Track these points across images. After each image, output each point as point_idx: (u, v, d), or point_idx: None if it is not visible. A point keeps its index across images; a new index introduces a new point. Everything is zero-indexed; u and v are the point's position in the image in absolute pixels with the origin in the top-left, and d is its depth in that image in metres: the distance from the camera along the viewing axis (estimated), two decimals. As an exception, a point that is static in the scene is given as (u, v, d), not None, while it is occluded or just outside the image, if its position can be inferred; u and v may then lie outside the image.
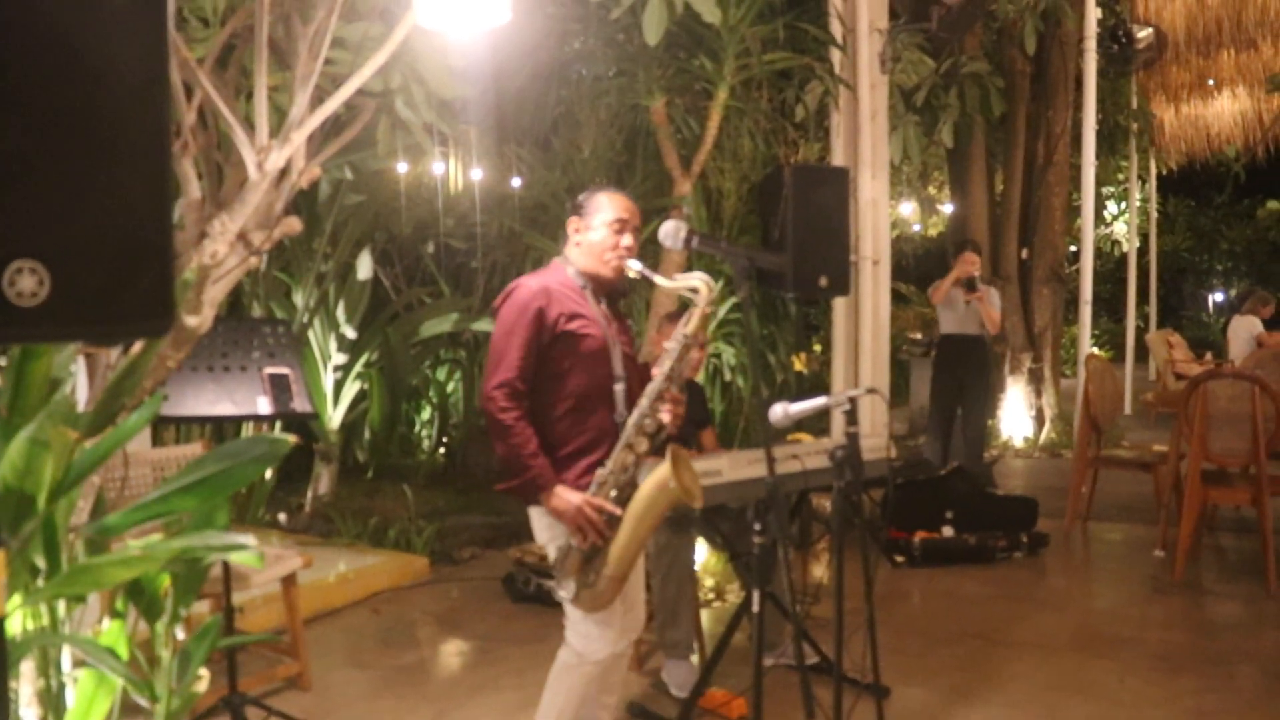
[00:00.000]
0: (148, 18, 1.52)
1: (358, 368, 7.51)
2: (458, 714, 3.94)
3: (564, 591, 2.88)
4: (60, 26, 1.45)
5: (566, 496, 2.85)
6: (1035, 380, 10.03)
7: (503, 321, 2.98)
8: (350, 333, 7.40)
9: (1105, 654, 4.53)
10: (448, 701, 4.06)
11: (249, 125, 2.98)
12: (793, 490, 4.28)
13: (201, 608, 4.07)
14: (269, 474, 7.08)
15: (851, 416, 2.84)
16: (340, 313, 7.36)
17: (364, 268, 7.53)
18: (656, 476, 2.73)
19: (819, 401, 2.98)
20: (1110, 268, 19.60)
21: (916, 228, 18.78)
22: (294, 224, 3.29)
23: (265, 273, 7.09)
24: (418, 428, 8.88)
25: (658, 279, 3.00)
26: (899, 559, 5.98)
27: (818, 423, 7.24)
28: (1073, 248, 12.83)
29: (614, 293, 3.17)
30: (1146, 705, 3.98)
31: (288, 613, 4.11)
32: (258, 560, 2.35)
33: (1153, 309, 15.35)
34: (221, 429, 6.72)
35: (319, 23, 2.93)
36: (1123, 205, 17.10)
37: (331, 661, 4.47)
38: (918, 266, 19.69)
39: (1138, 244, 13.77)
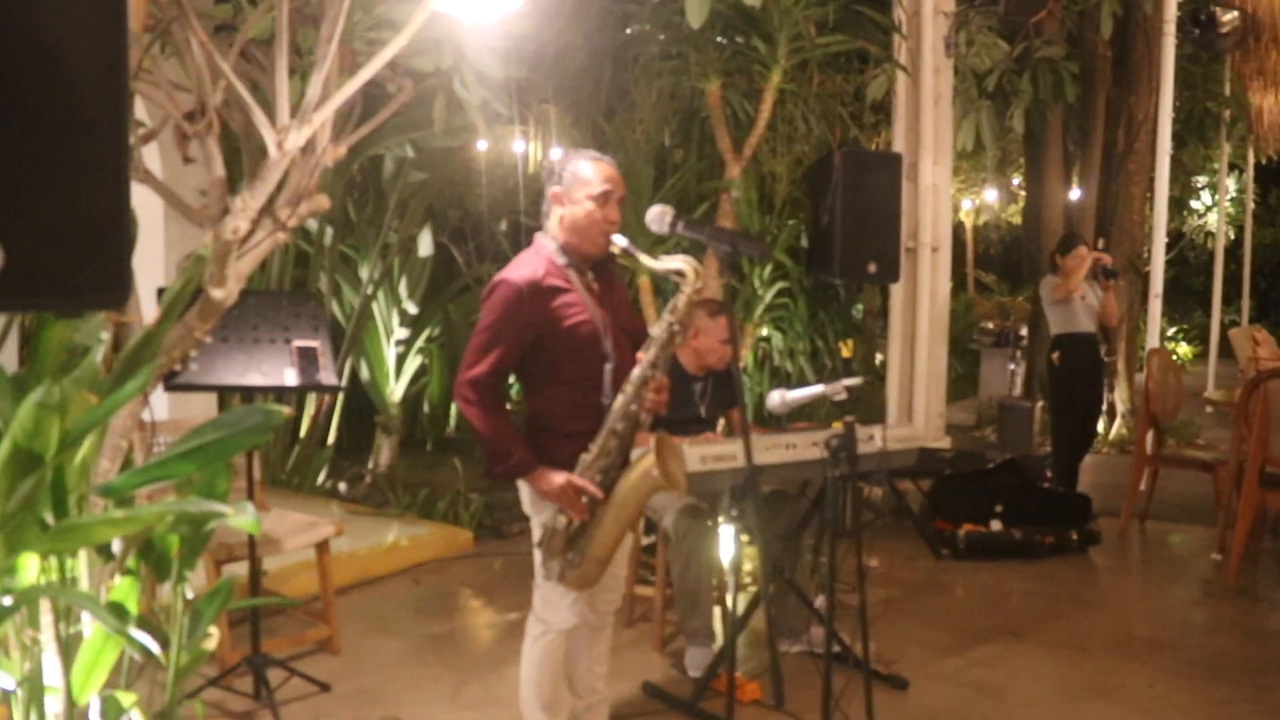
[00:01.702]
0: (107, 5, 1.59)
1: (419, 342, 7.66)
2: (477, 684, 4.03)
3: (546, 572, 2.94)
4: (20, 13, 1.52)
5: (550, 477, 2.89)
6: (1108, 374, 9.79)
7: (485, 318, 2.96)
8: (412, 308, 7.55)
9: (1139, 657, 4.44)
10: (469, 672, 4.16)
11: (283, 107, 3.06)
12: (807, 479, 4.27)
13: (237, 570, 4.22)
14: (330, 442, 7.28)
15: (848, 405, 2.83)
16: (403, 288, 7.50)
17: (425, 244, 7.66)
18: (641, 465, 2.76)
19: (817, 389, 2.98)
20: (1205, 260, 18.99)
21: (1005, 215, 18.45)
22: (322, 201, 3.38)
23: (332, 247, 7.26)
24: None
25: (643, 258, 2.93)
26: (944, 551, 5.92)
27: (878, 412, 7.20)
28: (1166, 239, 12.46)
29: (602, 263, 3.10)
30: (1172, 712, 3.90)
31: (320, 578, 4.23)
32: (254, 526, 2.45)
33: (1244, 304, 14.85)
34: (282, 400, 6.91)
35: (338, 4, 3.00)
36: (1216, 195, 16.56)
37: (364, 628, 4.60)
38: (1005, 255, 19.34)
39: (1230, 235, 13.33)
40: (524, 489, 3.07)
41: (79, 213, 1.60)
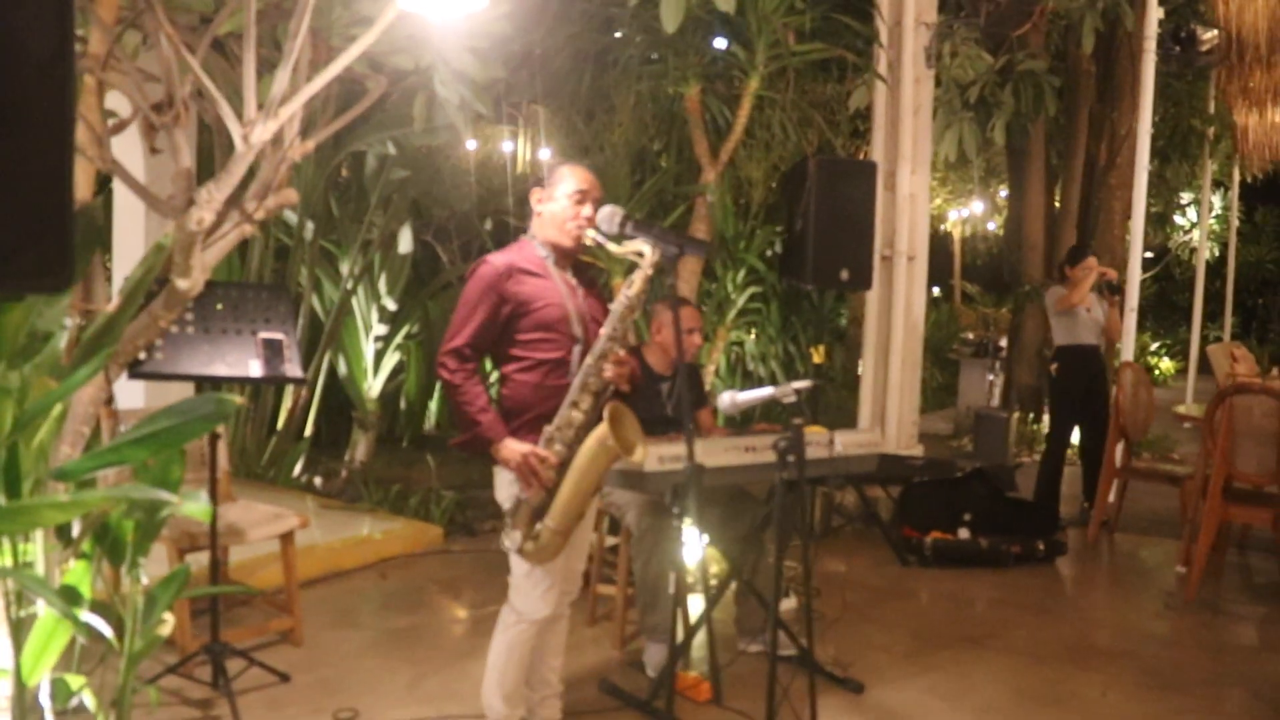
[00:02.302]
0: (53, -2, 1.63)
1: (398, 339, 7.68)
2: (435, 678, 4.06)
3: (509, 542, 3.06)
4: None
5: (512, 446, 3.03)
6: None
7: (466, 294, 3.15)
8: (391, 304, 7.58)
9: (1095, 666, 4.49)
10: (429, 665, 4.18)
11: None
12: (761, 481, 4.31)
13: (201, 559, 4.24)
14: (306, 434, 7.31)
15: (798, 408, 2.87)
16: (383, 284, 7.53)
17: (405, 241, 7.69)
18: (596, 433, 2.84)
19: (766, 391, 3.02)
20: (1190, 276, 19.08)
21: (992, 225, 18.54)
22: (291, 195, 3.42)
23: (313, 242, 7.29)
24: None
25: (609, 245, 3.13)
26: (910, 558, 5.96)
27: (850, 418, 7.24)
28: (1148, 254, 12.55)
29: (578, 263, 3.32)
30: (1122, 720, 3.96)
31: (284, 569, 4.26)
32: (206, 514, 2.48)
33: (1227, 320, 14.94)
34: (259, 390, 6.94)
35: (301, 5, 3.03)
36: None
37: (328, 620, 4.62)
38: (991, 266, 19.42)
39: (1211, 251, 13.40)
40: (498, 475, 3.18)
41: (21, 198, 1.63)
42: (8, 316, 2.54)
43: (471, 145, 9.44)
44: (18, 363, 2.47)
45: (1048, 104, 7.96)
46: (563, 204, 3.19)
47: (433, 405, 8.57)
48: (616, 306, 3.04)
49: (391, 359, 7.67)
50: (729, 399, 2.94)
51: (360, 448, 7.55)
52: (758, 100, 5.62)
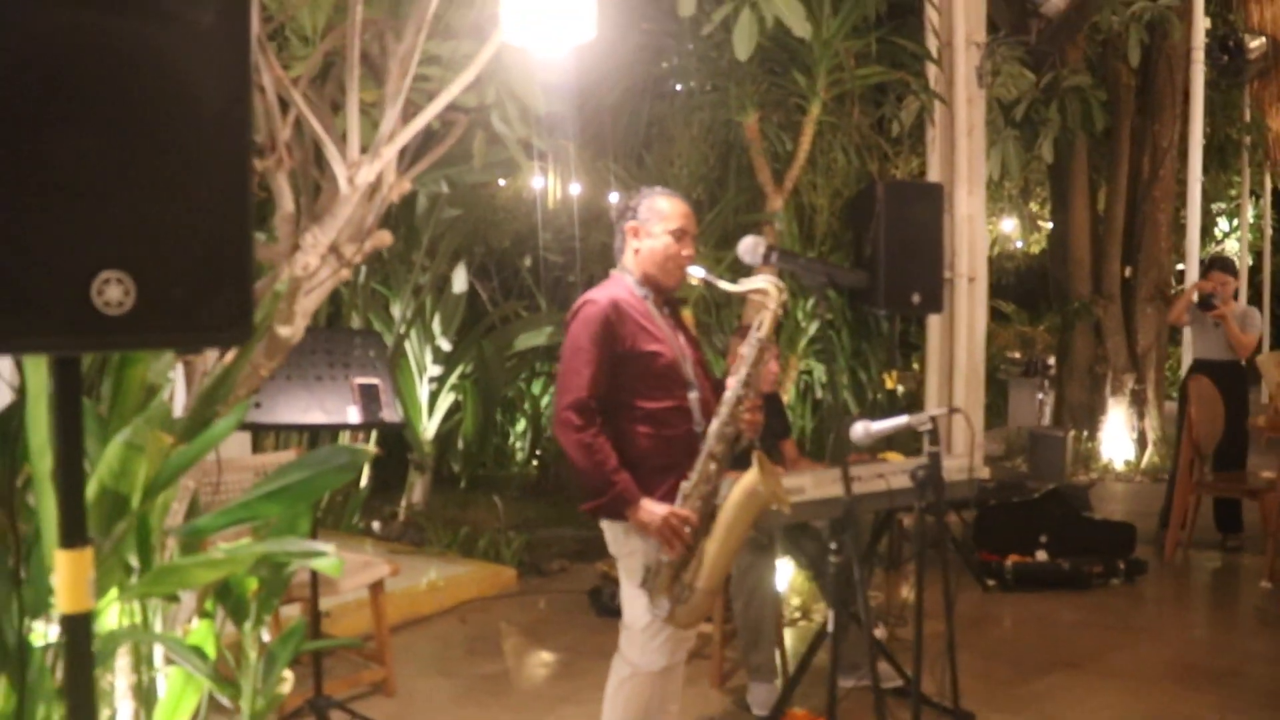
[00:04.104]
0: (232, 38, 1.57)
1: (453, 379, 7.62)
2: (537, 725, 3.98)
3: (658, 610, 2.85)
4: (148, 47, 1.50)
5: (651, 509, 2.84)
6: (1138, 402, 9.74)
7: (573, 339, 2.97)
8: (445, 345, 7.52)
9: (1204, 688, 4.37)
10: (529, 713, 4.10)
11: (345, 140, 3.06)
12: (879, 509, 4.22)
13: (292, 611, 4.18)
14: (364, 482, 7.23)
15: (934, 436, 2.80)
16: (436, 325, 7.48)
17: (459, 280, 7.65)
18: (745, 483, 2.72)
19: (901, 420, 2.94)
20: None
21: (1019, 244, 18.45)
22: (385, 237, 3.37)
23: (364, 285, 7.25)
24: (512, 439, 8.98)
25: (722, 284, 2.99)
26: (990, 583, 5.85)
27: (911, 443, 7.14)
28: (1180, 266, 12.44)
29: (673, 300, 3.18)
30: (1246, 742, 3.84)
31: (375, 619, 4.18)
32: (337, 568, 2.40)
33: (1266, 330, 14.81)
34: (317, 437, 6.87)
35: (409, 40, 2.99)
36: (1234, 222, 16.54)
37: (417, 668, 4.54)
38: (1020, 284, 19.34)
39: (1250, 262, 13.30)
40: (611, 527, 3.00)
41: (204, 246, 1.57)
42: (131, 370, 2.49)
43: (501, 183, 9.42)
44: (137, 418, 2.41)
45: (1096, 119, 7.93)
46: (664, 241, 3.04)
47: (492, 444, 8.50)
48: (747, 351, 2.88)
49: (447, 399, 7.61)
50: (862, 429, 2.86)
51: (416, 490, 7.47)
52: (818, 126, 5.57)
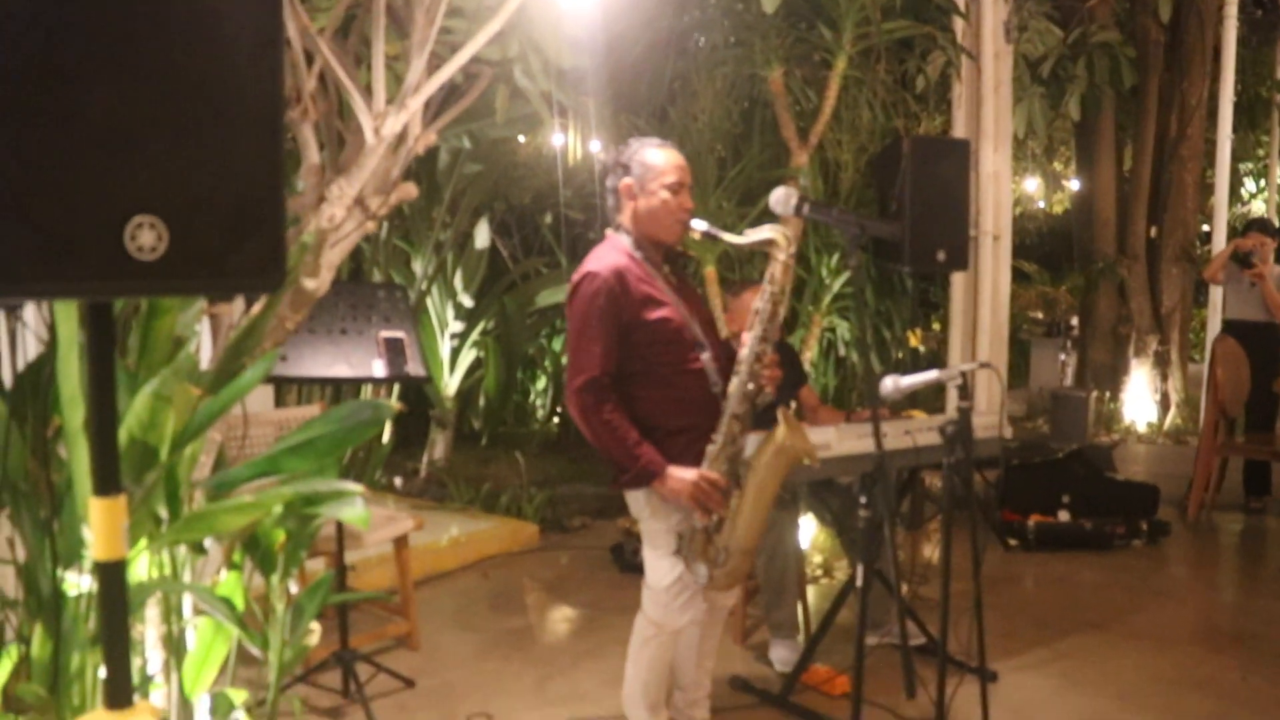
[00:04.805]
0: (263, -16, 1.55)
1: (474, 336, 7.62)
2: (561, 679, 3.99)
3: (697, 576, 2.83)
4: (180, -8, 1.48)
5: (680, 475, 2.79)
6: (1161, 363, 9.67)
7: (577, 315, 2.89)
8: (467, 301, 7.51)
9: (1226, 649, 4.36)
10: (552, 666, 4.11)
11: (368, 92, 3.03)
12: (904, 467, 4.21)
13: (316, 566, 4.20)
14: (386, 438, 7.25)
15: (964, 391, 2.77)
16: (458, 281, 7.47)
17: (481, 236, 7.63)
18: (774, 441, 2.70)
19: (930, 375, 2.91)
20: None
21: (1041, 204, 18.27)
22: (410, 189, 3.35)
23: (386, 240, 7.23)
24: (533, 396, 8.99)
25: (728, 236, 2.90)
26: (1012, 542, 5.84)
27: (934, 400, 7.11)
28: (1205, 227, 12.29)
29: (673, 254, 3.08)
30: (1273, 706, 3.82)
31: (399, 573, 4.19)
32: (365, 519, 2.39)
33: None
34: (340, 391, 6.89)
35: (436, -9, 2.95)
36: (1261, 183, 16.32)
37: (441, 623, 4.56)
38: (1042, 244, 19.17)
39: (1278, 223, 13.10)
40: (636, 498, 2.95)
41: (236, 193, 1.55)
42: (160, 322, 2.48)
43: (521, 139, 9.36)
44: (160, 370, 2.39)
45: (1123, 76, 7.81)
46: (661, 196, 2.93)
47: (513, 401, 8.51)
48: (761, 305, 2.83)
49: (468, 356, 7.61)
50: (891, 383, 2.83)
51: (438, 446, 7.49)
52: (844, 81, 5.49)
